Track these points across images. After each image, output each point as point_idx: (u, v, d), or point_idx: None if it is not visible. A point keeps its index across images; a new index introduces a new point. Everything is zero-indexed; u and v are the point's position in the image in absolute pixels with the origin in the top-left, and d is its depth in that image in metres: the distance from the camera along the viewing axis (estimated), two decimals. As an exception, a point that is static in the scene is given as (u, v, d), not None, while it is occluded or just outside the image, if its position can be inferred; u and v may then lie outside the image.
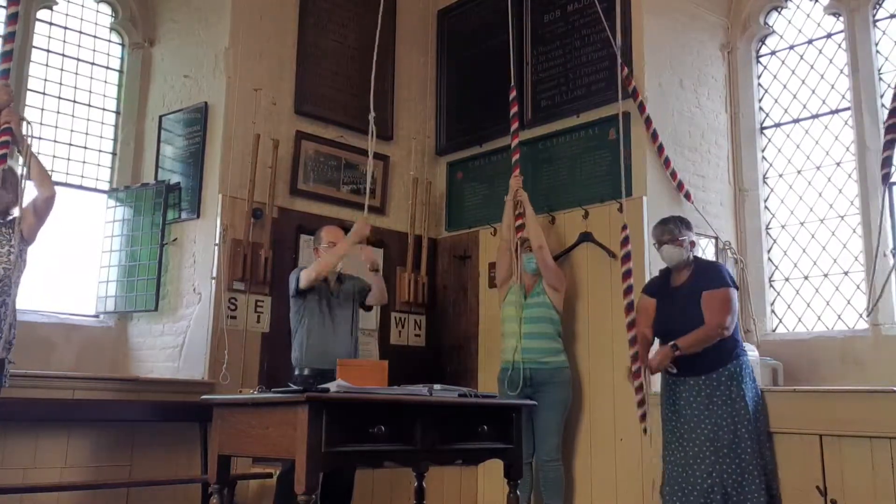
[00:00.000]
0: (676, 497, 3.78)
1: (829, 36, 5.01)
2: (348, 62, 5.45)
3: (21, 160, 3.57)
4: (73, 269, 5.10)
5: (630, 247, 4.36)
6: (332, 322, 4.29)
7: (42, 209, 3.53)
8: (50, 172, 3.74)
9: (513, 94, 5.00)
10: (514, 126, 4.96)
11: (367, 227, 4.39)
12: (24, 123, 3.57)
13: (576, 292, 4.85)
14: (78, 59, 5.28)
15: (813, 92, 5.03)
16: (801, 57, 5.13)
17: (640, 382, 4.02)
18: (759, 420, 3.76)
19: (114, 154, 5.39)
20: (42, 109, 5.07)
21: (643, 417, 4.10)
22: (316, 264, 4.24)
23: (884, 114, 4.68)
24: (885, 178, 2.87)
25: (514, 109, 4.99)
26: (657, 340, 4.04)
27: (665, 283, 4.08)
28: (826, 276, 4.79)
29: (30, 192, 3.53)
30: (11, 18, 3.68)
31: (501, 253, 4.85)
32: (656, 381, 4.11)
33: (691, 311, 3.82)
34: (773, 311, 4.99)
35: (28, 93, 4.99)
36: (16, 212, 3.49)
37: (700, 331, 3.76)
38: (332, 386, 2.89)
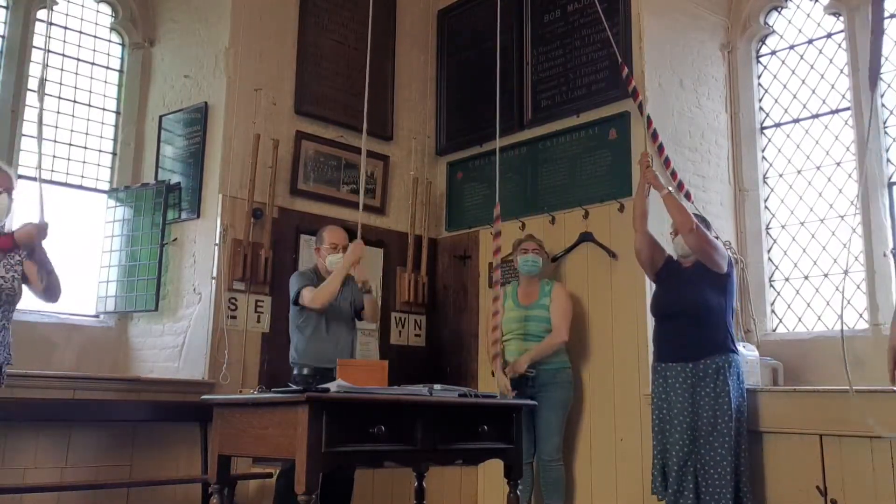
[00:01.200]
0: (658, 480, 3.85)
1: (829, 36, 5.00)
2: (348, 62, 5.45)
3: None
4: (74, 269, 5.09)
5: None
6: (332, 326, 4.27)
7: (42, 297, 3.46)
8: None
9: (498, 204, 4.67)
10: (498, 217, 4.61)
11: (361, 248, 4.27)
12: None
13: (576, 293, 4.85)
14: (78, 59, 5.28)
15: (813, 92, 5.03)
16: (801, 57, 5.12)
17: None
18: (740, 419, 3.77)
19: (114, 154, 5.39)
20: (42, 109, 5.06)
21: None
22: (319, 297, 4.13)
23: (884, 114, 4.69)
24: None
25: (497, 211, 4.64)
26: (656, 318, 4.08)
27: (677, 263, 4.13)
28: (826, 276, 4.79)
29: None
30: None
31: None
32: (650, 383, 4.11)
33: (695, 285, 3.87)
34: (773, 311, 4.99)
35: (28, 93, 4.99)
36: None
37: (682, 207, 3.92)
38: (333, 386, 2.89)
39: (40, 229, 3.29)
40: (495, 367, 4.49)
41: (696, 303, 3.85)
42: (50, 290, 3.41)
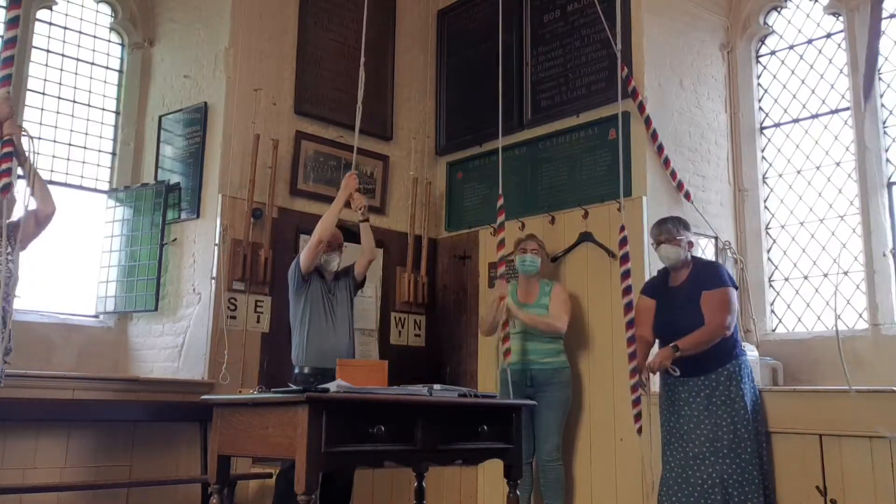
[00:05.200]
0: (676, 497, 3.77)
1: (828, 36, 5.01)
2: (348, 62, 5.45)
3: (22, 172, 3.49)
4: (73, 269, 5.10)
5: (628, 247, 4.30)
6: (332, 321, 4.30)
7: (42, 222, 3.48)
8: (49, 186, 3.60)
9: (500, 202, 4.67)
10: (502, 218, 4.62)
11: (354, 179, 4.40)
12: (26, 138, 3.42)
13: (576, 293, 4.85)
14: (78, 59, 5.28)
15: (812, 92, 5.03)
16: (801, 57, 5.13)
17: (637, 382, 4.00)
18: (757, 420, 3.77)
19: (114, 154, 5.39)
20: (42, 109, 5.07)
21: (638, 417, 4.09)
22: (315, 231, 4.25)
23: (884, 114, 4.69)
24: None
25: (501, 211, 4.64)
26: (657, 342, 4.04)
27: (663, 283, 4.07)
28: (826, 276, 4.79)
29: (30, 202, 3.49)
30: (12, 22, 3.57)
31: (487, 329, 4.77)
32: (655, 381, 4.10)
33: (691, 312, 3.81)
34: (772, 311, 4.99)
35: (28, 93, 4.99)
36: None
37: (701, 331, 3.75)
38: (332, 386, 2.89)
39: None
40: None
41: (702, 322, 3.80)
42: (42, 194, 3.41)
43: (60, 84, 5.18)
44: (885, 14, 4.75)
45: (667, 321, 3.94)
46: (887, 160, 4.63)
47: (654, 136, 4.69)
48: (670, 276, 4.04)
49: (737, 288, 3.96)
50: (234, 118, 4.91)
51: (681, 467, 3.77)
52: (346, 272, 4.50)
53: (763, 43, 5.35)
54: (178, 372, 4.77)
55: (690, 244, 4.02)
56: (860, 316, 4.59)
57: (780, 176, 5.10)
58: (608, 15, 4.79)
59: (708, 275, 3.93)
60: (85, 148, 5.25)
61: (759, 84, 5.31)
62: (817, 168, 4.93)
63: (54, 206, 3.51)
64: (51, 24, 5.18)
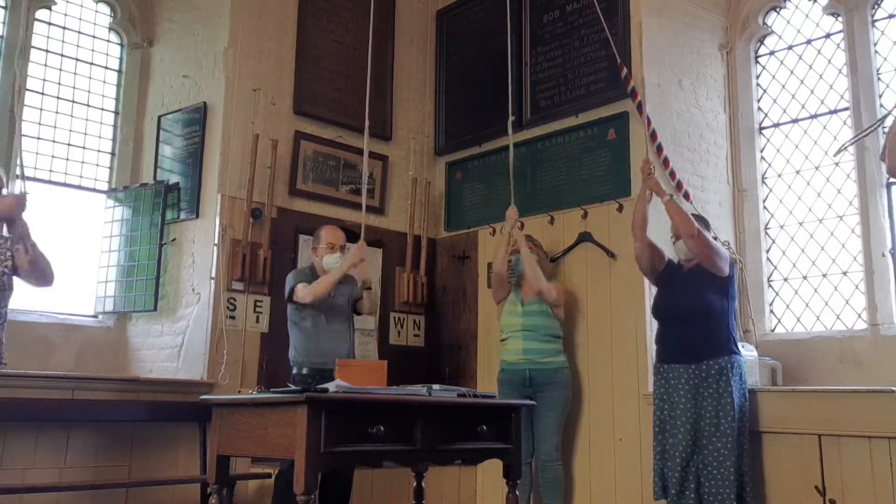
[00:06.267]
0: (659, 485, 3.85)
1: (827, 36, 5.01)
2: (348, 62, 5.45)
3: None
4: (72, 269, 5.09)
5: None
6: (329, 321, 4.28)
7: (34, 279, 3.47)
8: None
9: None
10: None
11: (363, 251, 4.30)
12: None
13: (575, 293, 4.85)
14: (77, 59, 5.28)
15: (812, 92, 5.03)
16: (800, 57, 5.13)
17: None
18: (742, 420, 3.77)
19: (113, 154, 5.39)
20: (41, 109, 5.07)
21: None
22: (312, 290, 4.16)
23: (882, 114, 4.69)
24: None
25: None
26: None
27: (677, 266, 4.14)
28: (825, 276, 4.79)
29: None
30: None
31: (497, 284, 4.79)
32: (650, 381, 4.10)
33: (693, 293, 3.86)
34: (771, 311, 4.99)
35: (27, 93, 4.99)
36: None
37: (684, 213, 3.92)
38: (332, 386, 2.89)
39: (19, 200, 3.29)
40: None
41: (699, 305, 3.85)
42: (37, 266, 3.39)
43: (59, 84, 5.17)
44: (884, 14, 4.76)
45: (667, 304, 4.00)
46: (886, 160, 4.63)
47: (653, 136, 4.69)
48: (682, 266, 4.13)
49: (732, 275, 4.00)
50: (233, 118, 4.91)
51: (667, 453, 3.83)
52: (351, 287, 4.42)
53: (762, 43, 5.35)
54: (177, 372, 4.77)
55: None
56: (859, 316, 4.59)
57: (779, 176, 5.10)
58: (607, 15, 4.79)
59: None
60: (84, 148, 5.24)
61: (758, 84, 5.31)
62: (816, 168, 4.93)
63: (51, 284, 3.49)
64: (50, 24, 5.18)
